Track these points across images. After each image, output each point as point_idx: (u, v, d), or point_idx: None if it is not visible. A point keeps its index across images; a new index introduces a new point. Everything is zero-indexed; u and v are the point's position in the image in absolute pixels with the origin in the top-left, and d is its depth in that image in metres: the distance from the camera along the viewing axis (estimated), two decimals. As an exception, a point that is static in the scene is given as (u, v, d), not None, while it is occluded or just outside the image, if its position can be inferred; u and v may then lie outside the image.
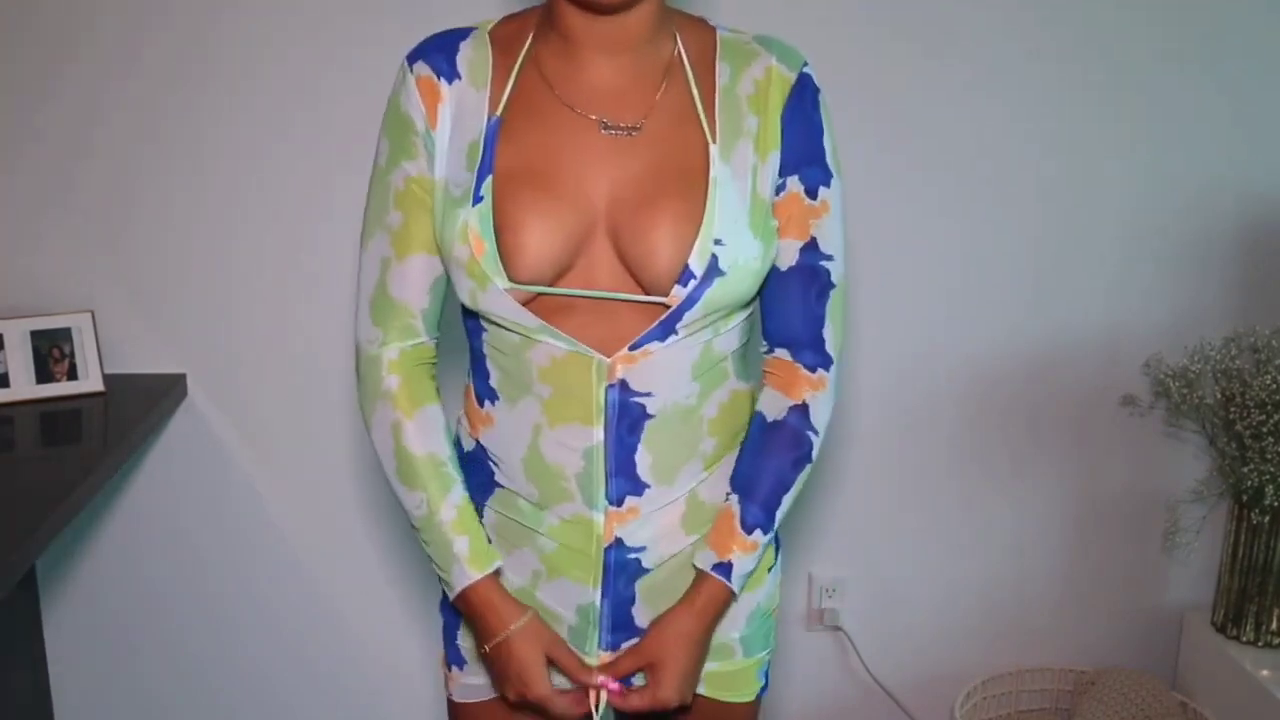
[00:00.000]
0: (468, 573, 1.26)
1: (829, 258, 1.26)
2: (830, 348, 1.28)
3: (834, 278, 1.27)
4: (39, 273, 2.01)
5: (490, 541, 1.31)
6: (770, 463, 1.27)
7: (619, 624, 1.31)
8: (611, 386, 1.21)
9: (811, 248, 1.25)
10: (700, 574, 1.28)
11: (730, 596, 1.28)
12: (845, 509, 2.24)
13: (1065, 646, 2.35)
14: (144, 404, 1.94)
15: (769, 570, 1.37)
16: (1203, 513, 2.28)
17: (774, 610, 1.41)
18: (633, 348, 1.20)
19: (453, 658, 1.39)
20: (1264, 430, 2.05)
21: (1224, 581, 2.22)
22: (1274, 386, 2.04)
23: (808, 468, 1.29)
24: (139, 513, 2.13)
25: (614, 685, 1.30)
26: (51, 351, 1.95)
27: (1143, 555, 2.33)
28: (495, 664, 1.29)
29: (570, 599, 1.30)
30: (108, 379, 1.98)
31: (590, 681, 1.30)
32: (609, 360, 1.20)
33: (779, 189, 1.23)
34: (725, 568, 1.26)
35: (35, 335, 1.94)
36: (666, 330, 1.20)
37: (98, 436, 1.89)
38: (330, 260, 2.05)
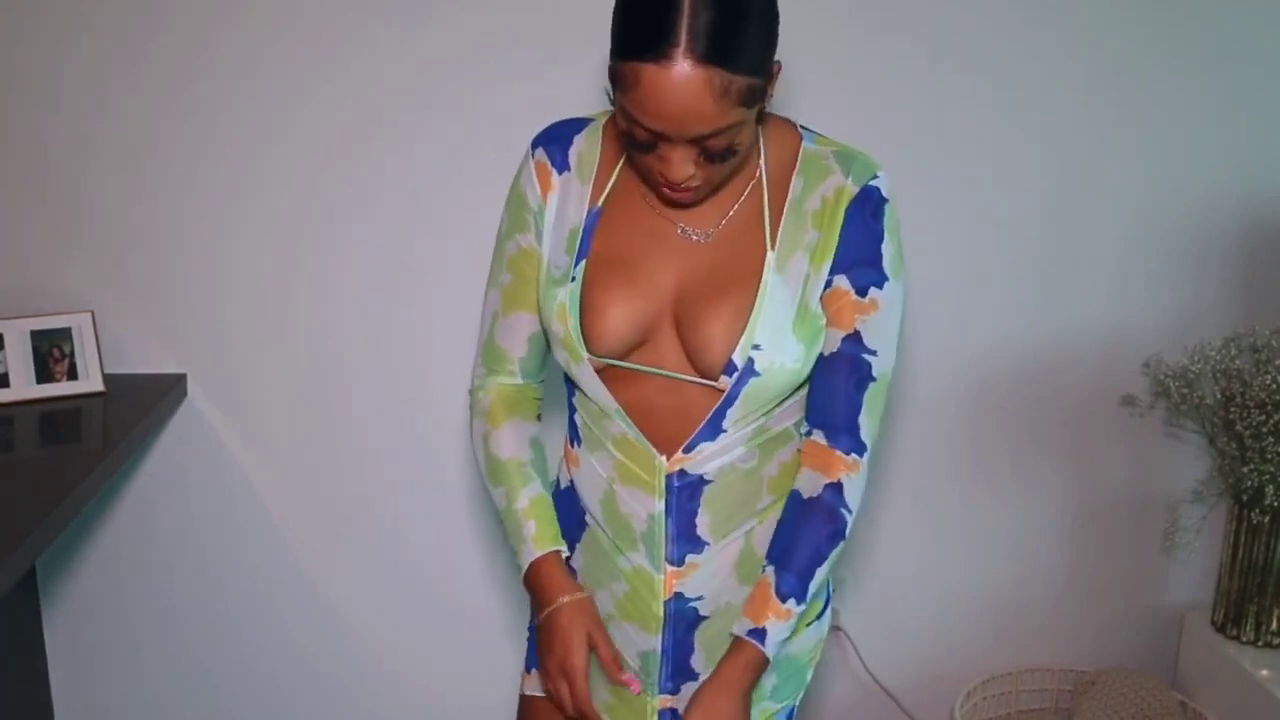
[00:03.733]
0: (532, 550, 1.40)
1: (872, 352, 1.33)
2: (865, 435, 1.35)
3: (875, 371, 1.34)
4: (40, 273, 2.01)
5: (574, 572, 1.45)
6: (806, 535, 1.35)
7: (678, 670, 1.44)
8: (670, 475, 1.35)
9: (854, 339, 1.33)
10: (736, 640, 1.35)
11: (765, 661, 1.35)
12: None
13: (1065, 646, 2.35)
14: (144, 404, 1.93)
15: (807, 625, 1.46)
16: (1203, 513, 2.28)
17: (810, 661, 1.50)
18: (686, 450, 1.34)
19: (534, 662, 1.50)
20: (1264, 430, 2.05)
21: (1224, 581, 2.22)
22: (1274, 386, 2.04)
23: (841, 544, 1.36)
24: (139, 513, 2.13)
25: (636, 688, 1.41)
26: (51, 351, 1.95)
27: (1143, 555, 2.33)
28: (542, 635, 1.41)
29: (634, 645, 1.43)
30: (108, 379, 1.98)
31: (619, 679, 1.39)
32: (666, 461, 1.34)
33: (827, 284, 1.32)
34: (760, 633, 1.33)
35: (35, 335, 1.94)
36: (715, 430, 1.33)
37: (98, 436, 1.89)
38: (330, 260, 2.05)
